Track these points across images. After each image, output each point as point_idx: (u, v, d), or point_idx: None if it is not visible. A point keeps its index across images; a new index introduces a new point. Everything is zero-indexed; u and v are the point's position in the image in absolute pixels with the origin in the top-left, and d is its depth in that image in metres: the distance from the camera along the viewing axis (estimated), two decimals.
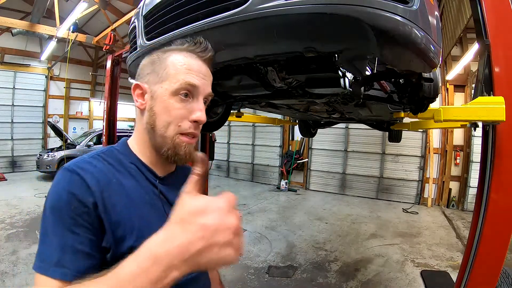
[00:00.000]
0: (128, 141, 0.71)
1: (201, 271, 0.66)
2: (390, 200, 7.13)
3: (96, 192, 0.55)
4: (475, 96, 1.33)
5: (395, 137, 4.86)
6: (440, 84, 1.84)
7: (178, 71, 0.63)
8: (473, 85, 5.51)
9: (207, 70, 0.68)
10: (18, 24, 6.77)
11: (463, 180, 6.63)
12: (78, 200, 0.53)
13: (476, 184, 1.52)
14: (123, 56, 5.14)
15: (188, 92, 0.64)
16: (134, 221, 0.59)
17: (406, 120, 3.40)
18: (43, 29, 6.90)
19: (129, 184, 0.62)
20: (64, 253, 0.51)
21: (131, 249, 0.52)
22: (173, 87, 0.62)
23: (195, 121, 0.65)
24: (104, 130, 5.37)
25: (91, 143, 8.64)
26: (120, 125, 10.62)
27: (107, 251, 0.55)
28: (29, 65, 9.39)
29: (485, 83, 1.27)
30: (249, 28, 0.97)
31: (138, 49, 1.43)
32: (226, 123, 7.78)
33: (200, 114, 0.65)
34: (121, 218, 0.57)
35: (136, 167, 0.66)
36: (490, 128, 1.30)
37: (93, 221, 0.54)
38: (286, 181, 8.10)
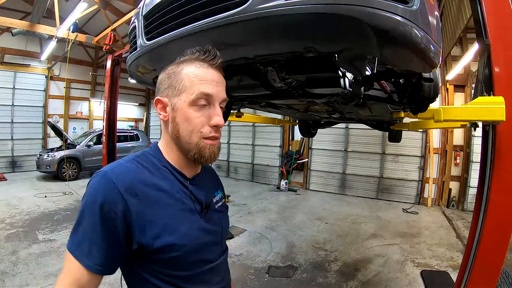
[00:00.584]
0: (158, 144, 0.78)
1: (223, 259, 0.83)
2: (390, 200, 7.12)
3: (128, 198, 0.64)
4: (475, 96, 1.33)
5: (395, 137, 4.85)
6: (440, 84, 1.84)
7: (193, 83, 0.69)
8: (473, 85, 5.51)
9: (219, 76, 0.73)
10: (18, 24, 6.76)
11: (463, 180, 6.63)
12: (109, 207, 0.62)
13: (476, 184, 1.51)
14: (123, 56, 5.15)
15: (204, 101, 0.70)
16: (167, 219, 0.68)
17: (406, 120, 3.39)
18: (43, 29, 6.89)
19: (162, 185, 0.70)
20: (90, 248, 0.62)
21: (171, 245, 0.66)
22: (190, 98, 0.69)
23: (214, 126, 0.71)
24: (104, 130, 5.38)
25: (91, 143, 8.64)
26: (120, 125, 10.64)
27: (142, 248, 0.65)
28: (29, 65, 9.39)
29: (485, 83, 1.27)
30: (249, 28, 0.97)
31: (138, 49, 1.43)
32: (226, 123, 7.77)
33: (218, 119, 0.71)
34: (155, 217, 0.66)
35: (168, 170, 0.73)
36: (490, 128, 1.30)
37: (119, 226, 0.63)
38: (286, 181, 8.10)
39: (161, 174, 0.72)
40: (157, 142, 0.79)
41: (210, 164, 0.81)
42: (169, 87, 0.71)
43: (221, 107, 0.73)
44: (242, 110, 3.32)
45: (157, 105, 0.74)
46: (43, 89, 9.79)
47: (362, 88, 1.57)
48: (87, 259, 0.62)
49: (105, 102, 5.29)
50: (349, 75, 1.49)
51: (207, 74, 0.70)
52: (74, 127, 10.87)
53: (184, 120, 0.70)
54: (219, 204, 0.86)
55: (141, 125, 13.29)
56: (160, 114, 0.73)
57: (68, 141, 8.49)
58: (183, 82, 0.69)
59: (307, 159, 8.27)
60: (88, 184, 0.67)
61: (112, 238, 0.63)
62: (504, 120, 1.15)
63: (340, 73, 1.41)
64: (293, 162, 8.14)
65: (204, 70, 0.71)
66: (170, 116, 0.71)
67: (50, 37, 7.12)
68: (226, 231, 0.86)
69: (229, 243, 4.09)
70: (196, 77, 0.69)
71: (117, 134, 5.69)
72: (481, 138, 1.41)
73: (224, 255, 0.84)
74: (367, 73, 1.41)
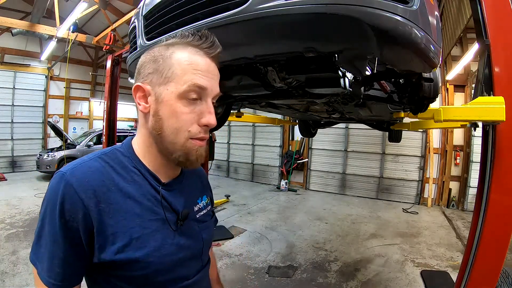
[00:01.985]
0: (132, 141, 0.67)
1: (202, 275, 0.72)
2: (390, 200, 7.12)
3: (89, 205, 0.55)
4: (475, 96, 1.33)
5: (395, 137, 4.86)
6: (440, 84, 1.84)
7: (185, 71, 0.58)
8: (473, 85, 5.51)
9: (214, 68, 0.63)
10: (18, 24, 6.77)
11: (463, 180, 6.63)
12: (69, 216, 0.54)
13: (476, 184, 1.51)
14: (123, 56, 5.15)
15: (196, 94, 0.59)
16: (133, 232, 0.58)
17: (406, 120, 3.40)
18: (43, 29, 6.89)
19: (130, 190, 0.60)
20: (51, 262, 0.55)
21: (135, 262, 0.57)
22: (180, 89, 0.58)
23: (205, 125, 0.61)
24: (104, 130, 5.38)
25: (91, 143, 8.64)
26: (120, 125, 10.64)
27: (103, 264, 0.57)
28: (29, 65, 9.38)
29: (485, 83, 1.27)
30: (249, 28, 0.97)
31: (138, 49, 1.43)
32: (226, 123, 7.77)
33: (210, 117, 0.61)
34: (119, 229, 0.57)
35: (139, 172, 0.63)
36: (490, 128, 1.30)
37: (82, 236, 0.55)
38: (286, 181, 8.10)
39: (131, 177, 0.61)
40: (131, 138, 0.68)
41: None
42: (154, 73, 0.59)
43: (212, 103, 0.63)
44: (242, 110, 3.32)
45: (136, 92, 0.61)
46: (43, 89, 9.79)
47: (362, 88, 1.58)
48: (48, 276, 0.55)
49: (105, 102, 5.29)
50: (349, 75, 1.49)
51: (202, 63, 0.60)
52: (74, 127, 10.87)
53: (170, 115, 0.58)
54: (202, 213, 0.75)
55: None
56: (140, 105, 0.61)
57: (68, 141, 8.48)
58: (173, 69, 0.58)
59: (307, 159, 8.27)
60: (48, 186, 0.57)
61: (74, 250, 0.55)
62: (504, 120, 1.15)
63: (340, 73, 1.41)
64: (293, 162, 8.14)
65: (198, 58, 0.60)
66: (152, 108, 0.60)
67: (50, 37, 7.12)
68: (208, 243, 0.76)
69: (229, 243, 4.10)
70: (190, 65, 0.58)
71: (117, 134, 5.68)
72: (481, 138, 1.41)
73: (204, 270, 0.73)
74: (367, 73, 1.42)
